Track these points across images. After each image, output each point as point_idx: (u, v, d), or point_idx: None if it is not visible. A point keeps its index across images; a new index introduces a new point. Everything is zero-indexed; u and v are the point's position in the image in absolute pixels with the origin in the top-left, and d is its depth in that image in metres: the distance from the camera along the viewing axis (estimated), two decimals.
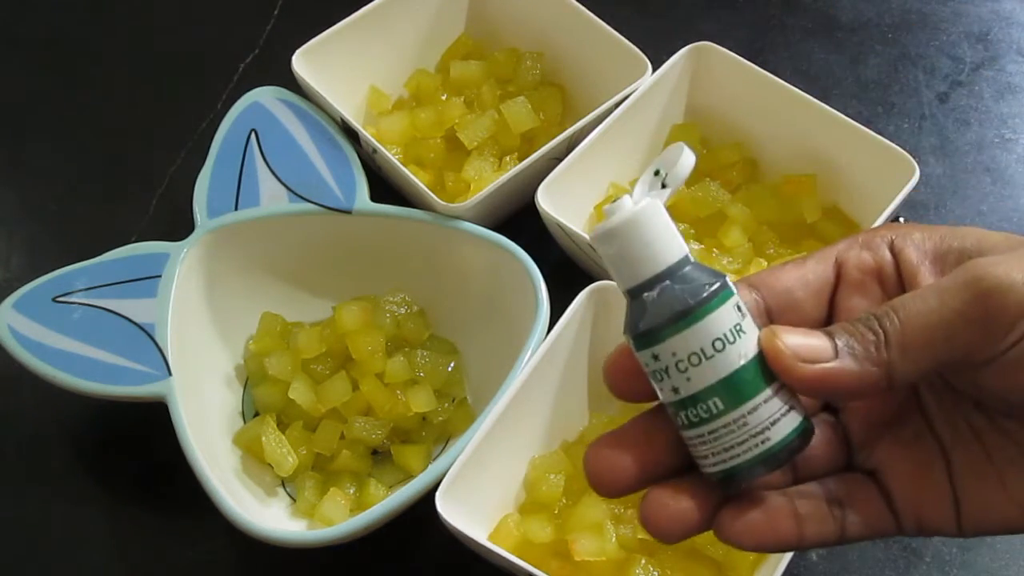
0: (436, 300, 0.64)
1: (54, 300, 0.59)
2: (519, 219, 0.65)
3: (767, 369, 0.33)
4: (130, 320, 0.59)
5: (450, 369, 0.61)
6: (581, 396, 0.60)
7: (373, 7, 0.69)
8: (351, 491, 0.58)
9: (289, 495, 0.59)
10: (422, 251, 0.63)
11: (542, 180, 0.62)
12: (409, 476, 0.59)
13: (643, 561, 0.53)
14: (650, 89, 0.66)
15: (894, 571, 0.58)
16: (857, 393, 0.33)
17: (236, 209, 0.62)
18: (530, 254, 0.59)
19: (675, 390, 0.33)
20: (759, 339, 0.33)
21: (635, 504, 0.56)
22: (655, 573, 0.53)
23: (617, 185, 0.67)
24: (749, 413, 0.33)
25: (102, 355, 0.57)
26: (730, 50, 0.67)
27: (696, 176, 0.67)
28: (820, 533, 0.35)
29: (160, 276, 0.60)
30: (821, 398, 0.36)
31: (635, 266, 0.33)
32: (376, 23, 0.69)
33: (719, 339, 0.33)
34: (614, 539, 0.54)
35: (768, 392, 0.33)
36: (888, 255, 0.35)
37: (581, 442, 0.59)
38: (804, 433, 0.34)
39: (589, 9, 0.69)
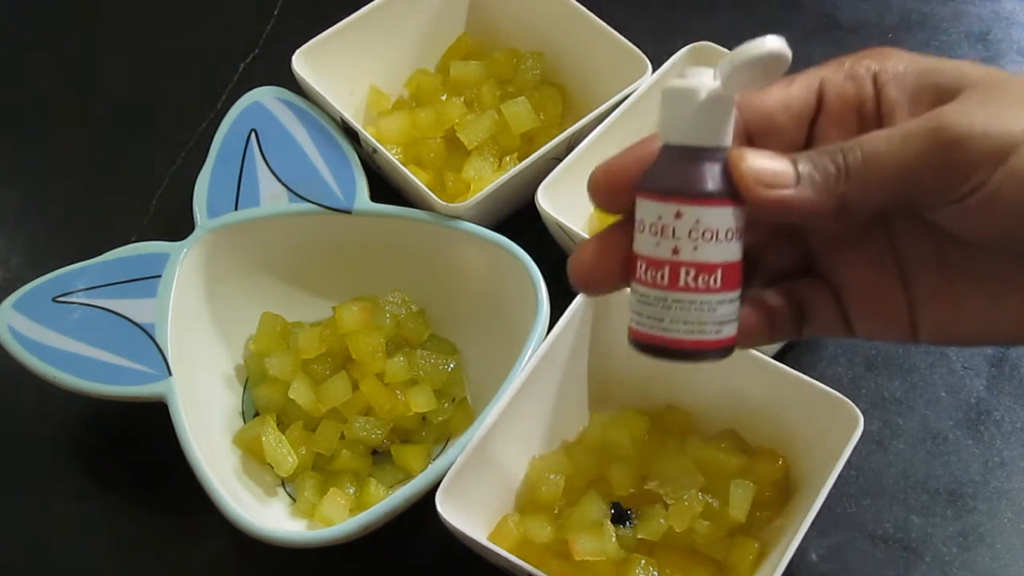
0: (436, 300, 0.64)
1: (54, 300, 0.59)
2: (519, 219, 0.65)
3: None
4: (130, 320, 0.59)
5: (450, 369, 0.61)
6: (581, 396, 0.60)
7: (373, 7, 0.69)
8: (351, 491, 0.58)
9: (289, 495, 0.59)
10: (422, 251, 0.63)
11: (542, 180, 0.62)
12: (409, 476, 0.59)
13: (643, 561, 0.53)
14: (650, 89, 0.66)
15: (894, 571, 0.58)
16: (811, 220, 0.35)
17: (236, 209, 0.62)
18: (530, 254, 0.59)
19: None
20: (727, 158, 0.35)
21: (636, 505, 0.56)
22: (655, 573, 0.53)
23: None
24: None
25: (102, 355, 0.58)
26: (730, 50, 0.67)
27: None
28: (781, 330, 0.38)
29: (160, 276, 0.60)
30: (777, 221, 0.37)
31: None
32: (376, 23, 0.69)
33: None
34: (614, 539, 0.54)
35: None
36: (870, 89, 0.36)
37: (581, 442, 0.59)
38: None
39: (589, 9, 0.69)
